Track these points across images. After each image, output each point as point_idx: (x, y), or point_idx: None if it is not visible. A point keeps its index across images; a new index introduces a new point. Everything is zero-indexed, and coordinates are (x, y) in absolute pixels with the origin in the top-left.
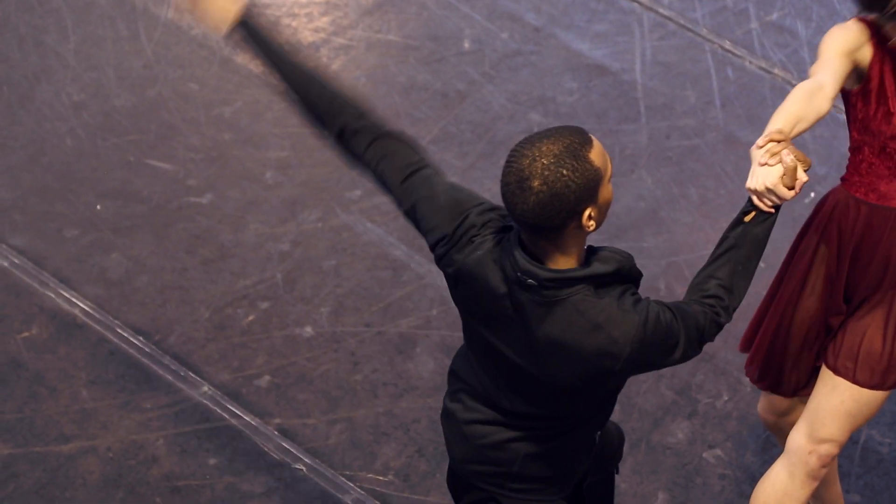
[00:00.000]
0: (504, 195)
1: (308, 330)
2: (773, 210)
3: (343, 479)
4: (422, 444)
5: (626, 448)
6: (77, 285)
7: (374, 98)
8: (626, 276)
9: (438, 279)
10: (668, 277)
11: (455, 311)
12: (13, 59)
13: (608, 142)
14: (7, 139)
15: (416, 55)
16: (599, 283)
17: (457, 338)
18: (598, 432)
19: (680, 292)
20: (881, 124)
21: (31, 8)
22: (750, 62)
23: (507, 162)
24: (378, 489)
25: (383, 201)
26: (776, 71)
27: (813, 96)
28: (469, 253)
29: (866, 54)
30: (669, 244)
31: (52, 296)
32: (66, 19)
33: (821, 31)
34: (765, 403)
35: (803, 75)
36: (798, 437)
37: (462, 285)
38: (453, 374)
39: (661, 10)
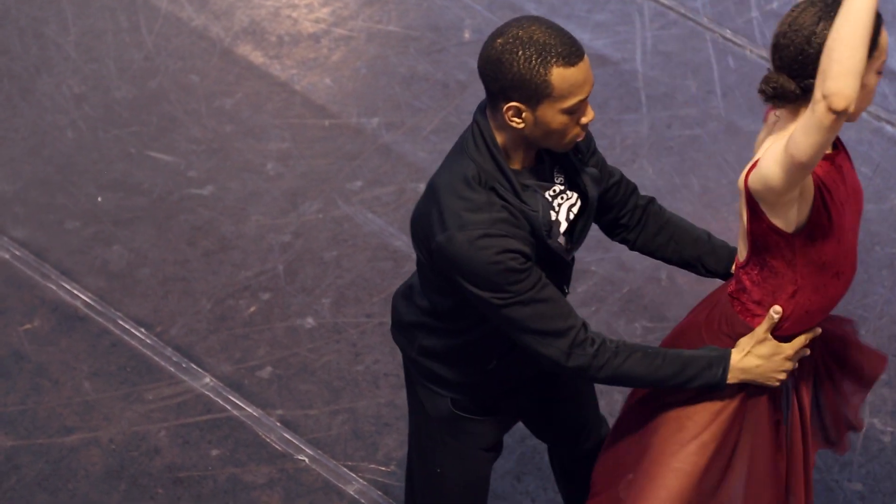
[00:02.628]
0: None
1: (309, 321)
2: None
3: (345, 469)
4: None
5: None
6: (79, 277)
7: (375, 89)
8: (501, 198)
9: None
10: (669, 267)
11: None
12: (14, 51)
13: (609, 132)
14: (8, 131)
15: (417, 45)
16: (483, 179)
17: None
18: (495, 361)
19: (681, 282)
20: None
21: (31, 0)
22: (751, 51)
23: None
24: (380, 480)
25: (384, 192)
26: None
27: None
28: None
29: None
30: None
31: (54, 288)
32: (66, 11)
33: None
34: None
35: None
36: None
37: None
38: None
39: (661, 0)
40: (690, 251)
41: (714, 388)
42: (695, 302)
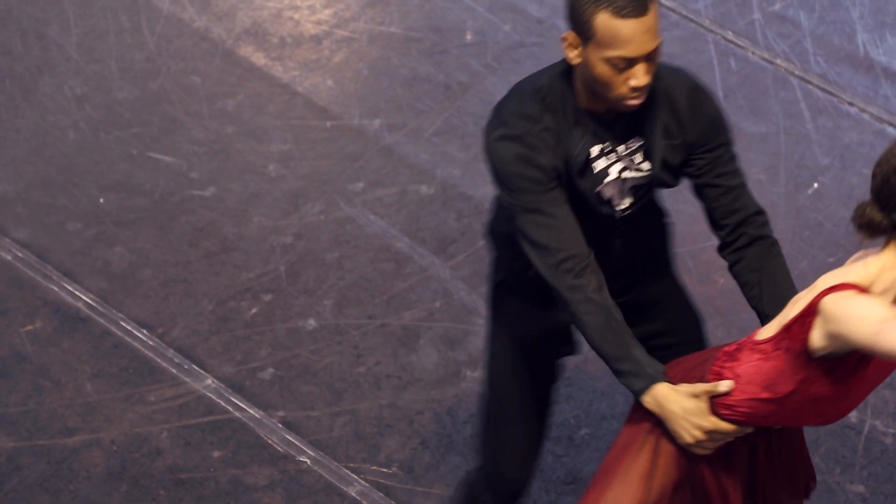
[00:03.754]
0: None
1: (311, 322)
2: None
3: (347, 471)
4: (426, 436)
5: None
6: (80, 278)
7: (377, 90)
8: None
9: (441, 271)
10: None
11: (457, 304)
12: (16, 51)
13: None
14: (9, 132)
15: (419, 47)
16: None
17: (460, 330)
18: (532, 269)
19: (685, 281)
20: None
21: (33, 0)
22: (752, 53)
23: None
24: (382, 481)
25: (386, 193)
26: (779, 62)
27: None
28: None
29: None
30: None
31: (56, 289)
32: (68, 12)
33: (823, 21)
34: None
35: (806, 65)
36: None
37: None
38: None
39: (663, 1)
40: (767, 307)
41: (633, 393)
42: (698, 299)
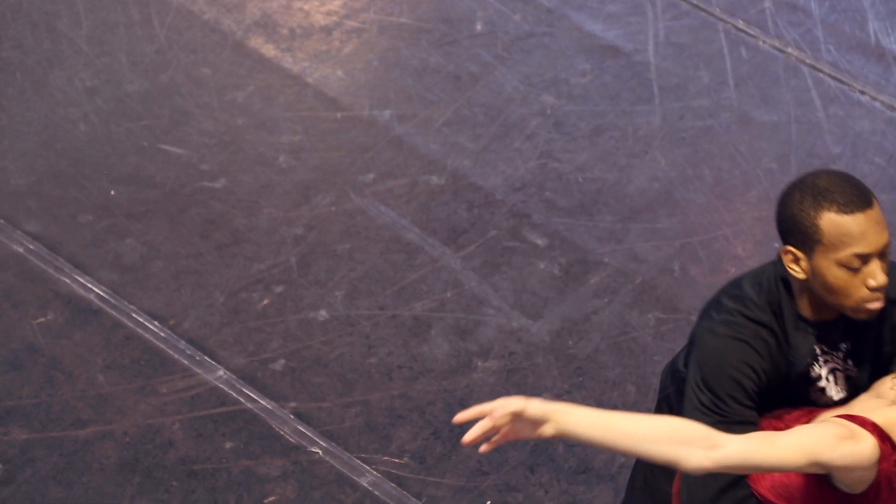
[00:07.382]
0: None
1: (322, 313)
2: None
3: (359, 461)
4: (437, 426)
5: None
6: (92, 271)
7: (387, 81)
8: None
9: (452, 262)
10: (682, 259)
11: (468, 294)
12: (26, 44)
13: (621, 123)
14: (21, 125)
15: (429, 38)
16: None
17: (471, 321)
18: None
19: (694, 274)
20: None
21: None
22: (763, 42)
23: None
24: (394, 472)
25: (397, 184)
26: (790, 50)
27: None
28: None
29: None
30: (683, 225)
31: (68, 281)
32: (78, 5)
33: (834, 9)
34: None
35: (817, 54)
36: None
37: None
38: None
39: None
40: None
41: None
42: (708, 293)
